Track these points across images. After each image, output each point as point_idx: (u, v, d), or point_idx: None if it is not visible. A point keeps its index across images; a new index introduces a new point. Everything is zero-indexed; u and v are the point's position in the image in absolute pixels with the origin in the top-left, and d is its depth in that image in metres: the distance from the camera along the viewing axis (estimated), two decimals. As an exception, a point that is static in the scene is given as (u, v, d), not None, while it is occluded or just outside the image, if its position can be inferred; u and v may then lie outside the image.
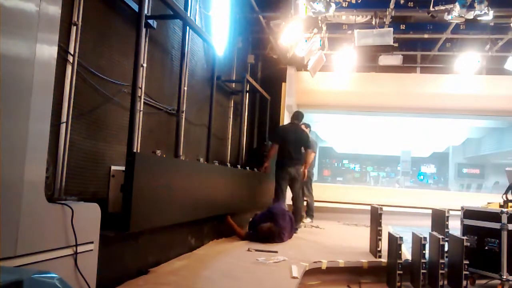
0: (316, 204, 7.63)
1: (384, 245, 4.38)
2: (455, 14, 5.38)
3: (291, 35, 6.27)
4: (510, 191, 4.38)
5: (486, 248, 4.06)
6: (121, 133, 3.51)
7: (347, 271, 4.27)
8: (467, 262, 3.58)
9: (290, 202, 6.99)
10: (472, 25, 6.91)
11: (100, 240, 2.46)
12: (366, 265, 4.31)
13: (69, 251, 2.17)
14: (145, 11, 3.54)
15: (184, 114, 4.75)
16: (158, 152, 3.39)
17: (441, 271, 3.54)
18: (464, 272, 3.57)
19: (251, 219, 5.59)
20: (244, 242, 4.91)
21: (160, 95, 4.34)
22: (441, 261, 3.54)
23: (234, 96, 7.06)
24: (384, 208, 4.76)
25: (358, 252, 4.79)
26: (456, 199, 8.20)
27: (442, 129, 14.77)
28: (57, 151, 2.76)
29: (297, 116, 6.78)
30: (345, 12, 6.59)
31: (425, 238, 3.66)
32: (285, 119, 8.75)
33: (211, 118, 5.08)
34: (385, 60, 7.85)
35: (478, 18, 5.48)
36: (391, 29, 6.24)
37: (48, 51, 1.98)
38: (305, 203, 7.57)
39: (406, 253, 4.38)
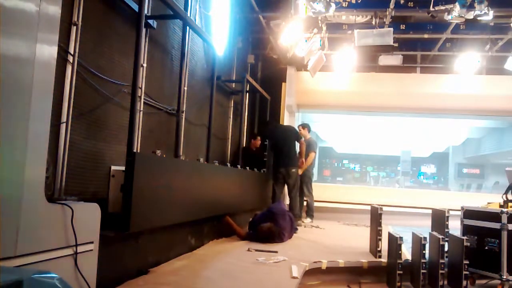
0: (316, 204, 7.63)
1: (384, 245, 4.38)
2: (455, 14, 5.38)
3: (291, 35, 6.27)
4: (510, 191, 4.38)
5: (486, 248, 4.06)
6: (121, 133, 3.51)
7: (347, 271, 4.27)
8: (467, 262, 3.58)
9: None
10: (472, 25, 6.91)
11: (100, 240, 2.46)
12: (366, 265, 4.31)
13: (69, 251, 2.17)
14: (145, 11, 3.55)
15: (184, 114, 4.75)
16: (158, 152, 3.39)
17: (441, 271, 3.53)
18: (464, 272, 3.57)
19: (251, 219, 5.59)
20: (244, 242, 4.91)
21: (160, 95, 4.34)
22: (441, 261, 3.54)
23: (234, 96, 7.06)
24: (384, 208, 4.76)
25: (358, 252, 4.79)
26: (456, 199, 8.19)
27: (442, 129, 14.77)
28: (57, 151, 2.76)
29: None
30: (345, 12, 6.59)
31: (425, 238, 3.66)
32: (285, 119, 8.75)
33: (211, 118, 5.08)
34: (385, 60, 7.85)
35: (478, 18, 5.48)
36: (391, 29, 6.25)
37: (48, 51, 1.98)
38: (305, 203, 7.58)
39: (406, 253, 4.38)
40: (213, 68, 5.33)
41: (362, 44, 6.29)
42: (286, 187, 6.96)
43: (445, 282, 3.64)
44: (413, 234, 3.94)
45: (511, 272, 3.86)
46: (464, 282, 3.56)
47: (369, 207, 5.21)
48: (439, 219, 4.72)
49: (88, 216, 2.40)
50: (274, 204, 5.88)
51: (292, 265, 3.77)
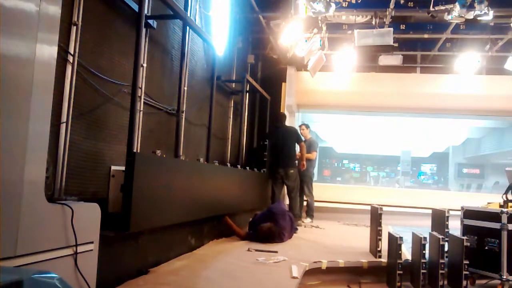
0: (316, 204, 7.64)
1: (384, 245, 4.38)
2: (455, 14, 5.37)
3: (291, 35, 6.27)
4: (510, 191, 4.38)
5: (486, 248, 4.06)
6: (121, 133, 3.51)
7: (347, 271, 4.27)
8: (467, 262, 3.58)
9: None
10: (472, 25, 6.91)
11: (100, 240, 2.46)
12: (366, 265, 4.31)
13: (69, 251, 2.17)
14: (145, 11, 3.55)
15: (184, 114, 4.75)
16: (158, 152, 3.39)
17: (441, 271, 3.53)
18: (464, 272, 3.57)
19: (251, 219, 5.59)
20: (244, 242, 4.91)
21: (160, 95, 4.34)
22: (441, 261, 3.54)
23: (234, 96, 7.06)
24: (384, 208, 4.76)
25: (358, 252, 4.79)
26: (456, 199, 8.19)
27: (442, 129, 14.77)
28: (57, 151, 2.76)
29: (280, 119, 7.27)
30: (345, 12, 6.59)
31: (425, 238, 3.66)
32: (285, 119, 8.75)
33: (211, 118, 5.08)
34: (385, 60, 7.85)
35: (478, 18, 5.48)
36: (391, 29, 6.24)
37: (48, 51, 1.98)
38: (305, 203, 7.58)
39: (406, 253, 4.38)
40: (213, 68, 5.33)
41: (362, 44, 6.29)
42: (285, 187, 6.97)
43: (445, 282, 3.64)
44: (413, 234, 3.94)
45: (511, 272, 3.86)
46: (464, 282, 3.56)
47: (369, 207, 5.21)
48: (439, 219, 4.72)
49: (88, 216, 2.40)
50: (274, 204, 5.88)
51: (292, 265, 3.77)
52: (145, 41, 3.93)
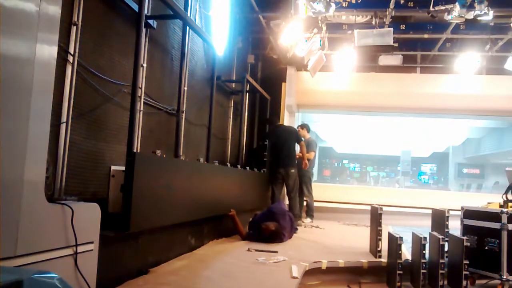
0: (316, 204, 7.63)
1: (384, 245, 4.38)
2: (455, 14, 5.37)
3: (291, 35, 6.27)
4: (510, 191, 4.38)
5: (486, 248, 4.06)
6: (121, 133, 3.51)
7: (347, 271, 4.27)
8: (467, 262, 3.57)
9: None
10: (472, 25, 6.91)
11: (100, 240, 2.46)
12: (366, 265, 4.31)
13: (69, 251, 2.17)
14: (145, 11, 3.55)
15: (184, 114, 4.75)
16: (158, 152, 3.39)
17: (441, 271, 3.53)
18: (464, 272, 3.57)
19: (251, 219, 5.59)
20: (244, 242, 4.91)
21: (160, 95, 4.34)
22: (441, 261, 3.54)
23: (234, 96, 7.06)
24: (384, 208, 4.75)
25: (358, 252, 4.79)
26: (456, 199, 8.19)
27: (442, 129, 14.76)
28: (57, 151, 2.76)
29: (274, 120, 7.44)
30: (345, 12, 6.59)
31: (425, 238, 3.66)
32: (285, 119, 8.75)
33: (211, 118, 5.08)
34: (385, 60, 7.85)
35: (478, 18, 5.48)
36: (391, 29, 6.24)
37: (48, 51, 1.98)
38: (305, 203, 7.57)
39: (406, 253, 4.38)
40: (213, 68, 5.33)
41: (362, 44, 6.29)
42: (285, 187, 6.97)
43: (445, 282, 3.64)
44: (413, 234, 3.94)
45: (511, 272, 3.86)
46: (464, 282, 3.56)
47: (369, 207, 5.21)
48: (439, 219, 4.72)
49: (88, 216, 2.40)
50: (274, 204, 5.88)
51: (292, 265, 3.77)
52: (145, 41, 3.93)
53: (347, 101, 9.39)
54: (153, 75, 4.19)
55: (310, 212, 7.51)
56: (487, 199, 5.04)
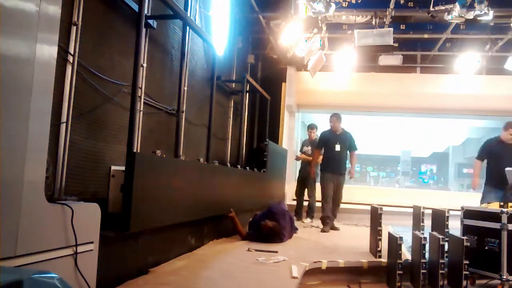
0: (316, 204, 7.63)
1: (384, 245, 4.37)
2: (455, 14, 5.37)
3: (291, 35, 6.27)
4: (510, 191, 4.38)
5: (486, 248, 4.05)
6: (121, 133, 3.51)
7: (347, 271, 4.27)
8: (467, 262, 3.57)
9: (290, 202, 7.01)
10: (472, 25, 6.91)
11: (100, 240, 2.46)
12: (366, 265, 4.30)
13: (69, 251, 2.17)
14: (145, 11, 3.55)
15: (184, 114, 4.75)
16: (158, 152, 3.39)
17: (441, 271, 3.53)
18: (464, 272, 3.56)
19: (251, 219, 5.59)
20: (244, 242, 4.91)
21: (160, 95, 4.34)
22: (441, 261, 3.54)
23: (234, 96, 7.06)
24: (384, 208, 4.75)
25: (358, 252, 4.78)
26: (456, 199, 8.19)
27: (442, 129, 14.76)
28: (57, 151, 2.76)
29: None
30: (345, 12, 6.59)
31: (425, 238, 3.66)
32: (285, 119, 8.75)
33: (211, 118, 5.08)
34: (385, 60, 7.85)
35: (478, 18, 5.48)
36: (391, 29, 6.24)
37: (48, 51, 1.98)
38: (306, 203, 7.58)
39: (406, 253, 4.38)
40: (213, 68, 5.33)
41: (362, 44, 6.29)
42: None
43: (445, 282, 3.64)
44: (413, 234, 3.94)
45: (511, 272, 3.85)
46: (464, 282, 3.55)
47: (369, 207, 5.21)
48: (439, 219, 4.72)
49: (88, 216, 2.39)
50: (274, 204, 5.85)
51: (292, 265, 3.77)
52: (145, 41, 3.93)
53: (347, 101, 9.39)
54: (153, 75, 4.19)
55: (311, 212, 7.51)
56: (487, 199, 5.04)
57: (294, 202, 7.85)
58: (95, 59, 3.22)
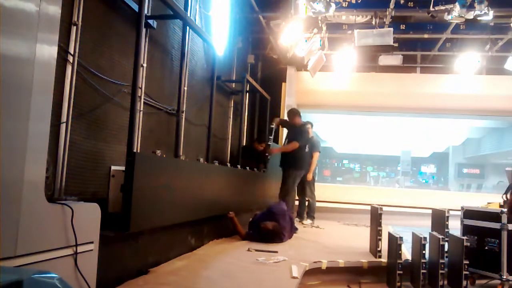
0: (316, 204, 7.62)
1: (384, 245, 4.38)
2: (455, 14, 5.38)
3: (291, 35, 6.27)
4: (510, 191, 4.37)
5: (486, 248, 4.06)
6: (121, 133, 3.51)
7: (347, 271, 4.27)
8: (467, 262, 3.57)
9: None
10: (472, 25, 6.92)
11: (100, 240, 2.46)
12: (366, 265, 4.31)
13: (69, 251, 2.17)
14: (145, 11, 3.55)
15: (184, 114, 4.75)
16: (158, 152, 3.39)
17: (441, 271, 3.53)
18: (464, 272, 3.56)
19: (251, 219, 5.59)
20: (244, 242, 4.91)
21: (160, 95, 4.34)
22: (441, 261, 3.54)
23: (234, 96, 7.06)
24: (384, 208, 4.75)
25: (358, 252, 4.79)
26: (456, 199, 8.19)
27: (442, 129, 14.77)
28: (57, 151, 2.76)
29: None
30: (345, 12, 6.59)
31: (425, 238, 3.66)
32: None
33: (211, 118, 5.08)
34: (385, 60, 7.85)
35: (478, 18, 5.48)
36: (391, 29, 6.25)
37: (48, 51, 1.98)
38: (306, 203, 7.56)
39: (406, 253, 4.38)
40: (213, 68, 5.33)
41: (362, 44, 6.29)
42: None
43: (445, 282, 3.64)
44: (413, 234, 3.94)
45: (511, 272, 3.86)
46: (464, 282, 3.55)
47: (369, 207, 5.21)
48: (439, 219, 4.72)
49: (88, 216, 2.39)
50: (274, 204, 5.84)
51: (292, 265, 3.77)
52: (145, 41, 3.93)
53: (347, 101, 9.40)
54: (153, 75, 4.19)
55: (311, 213, 7.48)
56: (487, 199, 5.04)
57: (296, 202, 7.79)
58: (95, 59, 3.22)
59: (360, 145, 18.64)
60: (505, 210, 4.01)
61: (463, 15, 5.34)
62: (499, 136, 14.62)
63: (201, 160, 4.62)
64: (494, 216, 4.04)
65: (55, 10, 2.02)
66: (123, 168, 2.97)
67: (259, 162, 7.01)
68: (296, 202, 7.58)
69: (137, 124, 3.63)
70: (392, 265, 3.88)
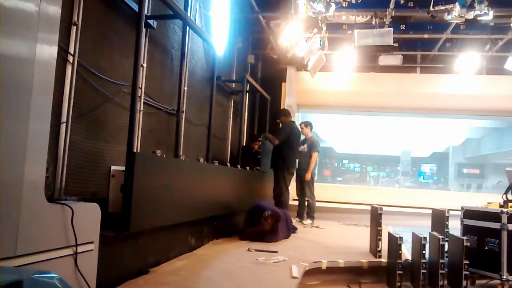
0: (316, 204, 7.61)
1: (384, 245, 4.38)
2: (455, 14, 5.38)
3: (291, 35, 6.27)
4: (510, 191, 4.38)
5: (486, 248, 4.06)
6: (121, 133, 3.51)
7: (347, 271, 4.27)
8: (467, 262, 3.57)
9: (291, 202, 6.98)
10: (472, 25, 6.92)
11: (100, 240, 2.46)
12: (366, 265, 4.31)
13: (69, 251, 2.17)
14: (145, 11, 3.55)
15: (184, 114, 4.75)
16: (158, 152, 3.39)
17: (441, 271, 3.53)
18: (464, 272, 3.56)
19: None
20: (244, 242, 4.91)
21: (160, 95, 4.34)
22: (441, 261, 3.54)
23: (234, 96, 7.06)
24: (384, 208, 4.75)
25: (358, 252, 4.79)
26: (456, 199, 8.19)
27: (442, 129, 14.78)
28: (57, 151, 2.76)
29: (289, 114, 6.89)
30: (345, 12, 6.59)
31: (425, 238, 3.66)
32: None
33: (211, 118, 5.08)
34: (385, 60, 7.85)
35: (478, 18, 5.48)
36: (391, 29, 6.25)
37: (48, 51, 1.98)
38: (306, 203, 7.55)
39: (406, 253, 4.38)
40: (213, 68, 5.33)
41: (362, 44, 6.29)
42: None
43: (445, 282, 3.64)
44: (413, 234, 3.94)
45: (511, 272, 3.86)
46: (464, 282, 3.55)
47: (369, 207, 5.20)
48: (439, 219, 4.72)
49: (88, 216, 2.40)
50: (269, 204, 5.74)
51: (292, 265, 3.77)
52: (145, 41, 3.93)
53: (347, 101, 9.40)
54: (153, 75, 4.19)
55: (310, 213, 7.46)
56: (487, 199, 5.03)
57: (296, 202, 7.77)
58: (95, 59, 3.22)
59: (360, 145, 18.63)
60: (505, 210, 4.01)
61: (463, 15, 5.34)
62: (499, 136, 14.61)
63: (201, 160, 4.62)
64: (494, 216, 4.04)
65: (55, 10, 2.02)
66: (123, 168, 2.97)
67: (253, 160, 7.00)
68: (296, 202, 7.60)
69: (137, 124, 3.63)
70: (392, 265, 3.88)
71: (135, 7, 3.55)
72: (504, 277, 3.84)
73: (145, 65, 3.91)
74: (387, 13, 6.30)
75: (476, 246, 4.12)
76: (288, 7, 6.14)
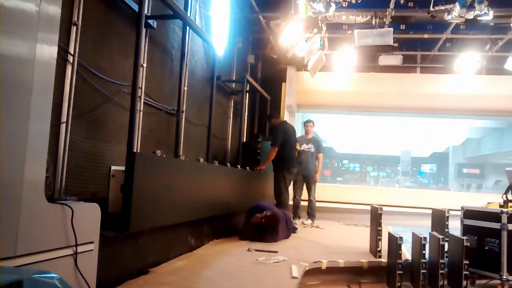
0: (316, 204, 7.61)
1: (384, 245, 4.38)
2: (455, 14, 5.38)
3: (291, 35, 6.27)
4: (510, 191, 4.38)
5: (486, 248, 4.06)
6: (121, 133, 3.51)
7: (347, 271, 4.27)
8: (467, 262, 3.57)
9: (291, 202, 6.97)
10: (472, 25, 6.92)
11: (100, 240, 2.46)
12: (366, 265, 4.30)
13: (69, 251, 2.17)
14: (145, 11, 3.55)
15: (184, 114, 4.75)
16: (158, 152, 3.39)
17: (441, 271, 3.53)
18: (464, 272, 3.56)
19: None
20: (244, 242, 4.91)
21: (160, 95, 4.34)
22: (441, 261, 3.54)
23: (234, 96, 7.06)
24: (384, 208, 4.75)
25: (358, 252, 4.79)
26: (456, 199, 8.18)
27: (442, 129, 14.78)
28: (57, 151, 2.76)
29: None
30: (345, 12, 6.59)
31: (425, 238, 3.66)
32: (285, 119, 8.74)
33: (211, 118, 5.08)
34: (385, 60, 7.85)
35: (478, 18, 5.48)
36: (391, 29, 6.25)
37: (48, 51, 1.98)
38: (307, 203, 7.55)
39: (406, 253, 4.38)
40: (213, 68, 5.33)
41: (362, 44, 6.29)
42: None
43: (445, 282, 3.64)
44: (413, 234, 3.94)
45: (511, 272, 3.86)
46: (464, 282, 3.55)
47: (369, 207, 5.20)
48: (439, 219, 4.72)
49: (88, 216, 2.39)
50: (269, 204, 5.73)
51: (292, 265, 3.77)
52: (145, 41, 3.94)
53: (347, 101, 9.39)
54: (153, 75, 4.19)
55: (312, 212, 7.47)
56: (487, 199, 5.03)
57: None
58: (95, 59, 3.23)
59: (360, 145, 18.64)
60: (505, 210, 4.01)
61: (463, 15, 5.34)
62: (499, 136, 14.62)
63: (201, 160, 4.62)
64: (494, 216, 4.04)
65: (55, 10, 2.02)
66: (123, 168, 2.97)
67: (253, 161, 6.98)
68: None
69: (137, 124, 3.63)
70: (392, 265, 3.88)
71: (135, 7, 3.56)
72: (504, 277, 3.84)
73: (145, 65, 3.91)
74: (387, 13, 6.30)
75: (476, 246, 4.12)
76: (288, 7, 6.14)
